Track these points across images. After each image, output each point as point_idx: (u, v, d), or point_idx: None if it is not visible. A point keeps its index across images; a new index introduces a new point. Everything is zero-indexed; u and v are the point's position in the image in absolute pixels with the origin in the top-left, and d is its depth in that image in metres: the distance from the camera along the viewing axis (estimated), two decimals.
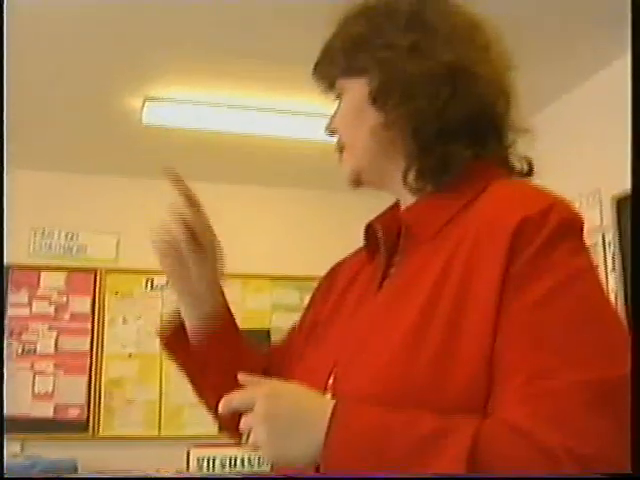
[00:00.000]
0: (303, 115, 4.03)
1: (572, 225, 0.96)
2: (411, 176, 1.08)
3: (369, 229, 1.17)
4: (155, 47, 3.51)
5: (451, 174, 1.06)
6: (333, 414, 0.90)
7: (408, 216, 1.10)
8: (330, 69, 1.16)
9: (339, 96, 1.17)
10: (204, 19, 3.29)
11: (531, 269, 0.91)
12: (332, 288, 1.26)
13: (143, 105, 4.02)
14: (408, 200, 1.12)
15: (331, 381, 1.03)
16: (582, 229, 0.97)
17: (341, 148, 1.17)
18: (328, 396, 1.01)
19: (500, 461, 0.84)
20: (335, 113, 1.18)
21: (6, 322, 4.67)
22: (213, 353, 1.28)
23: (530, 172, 1.13)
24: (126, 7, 3.19)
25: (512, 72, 1.12)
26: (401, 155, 1.09)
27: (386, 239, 1.14)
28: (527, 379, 0.87)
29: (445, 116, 1.05)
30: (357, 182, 1.16)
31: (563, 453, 0.82)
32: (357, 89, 1.12)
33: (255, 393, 0.94)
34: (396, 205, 1.18)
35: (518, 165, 1.13)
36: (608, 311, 0.94)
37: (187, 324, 1.28)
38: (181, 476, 4.42)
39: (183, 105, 4.05)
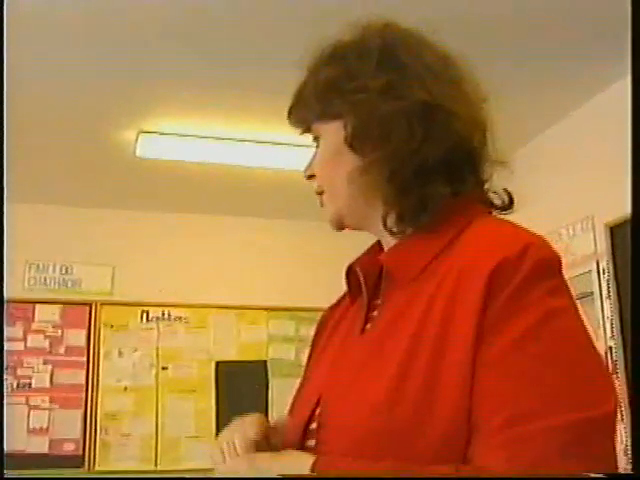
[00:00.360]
0: (298, 146, 4.02)
1: (549, 265, 0.95)
2: (390, 220, 1.07)
3: (350, 272, 1.16)
4: (149, 81, 3.54)
5: (430, 214, 1.04)
6: (312, 471, 0.91)
7: (389, 259, 1.09)
8: (305, 114, 1.15)
9: (316, 139, 1.15)
10: (197, 53, 3.31)
11: (507, 311, 0.91)
12: (319, 342, 1.24)
13: (137, 138, 4.04)
14: (390, 241, 1.10)
15: (314, 426, 1.02)
16: (560, 268, 0.96)
17: (320, 192, 1.15)
18: (312, 442, 1.01)
19: None
20: (313, 157, 1.17)
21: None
22: None
23: (511, 205, 1.12)
24: (120, 42, 3.22)
25: (487, 104, 1.11)
26: (380, 199, 1.08)
27: (367, 282, 1.12)
28: (504, 423, 0.86)
29: (421, 156, 1.03)
30: (339, 226, 1.16)
31: None
32: (333, 133, 1.10)
33: (241, 463, 0.97)
34: (378, 244, 1.17)
35: (498, 199, 1.12)
36: (587, 351, 0.93)
37: None
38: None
39: (177, 138, 4.07)
